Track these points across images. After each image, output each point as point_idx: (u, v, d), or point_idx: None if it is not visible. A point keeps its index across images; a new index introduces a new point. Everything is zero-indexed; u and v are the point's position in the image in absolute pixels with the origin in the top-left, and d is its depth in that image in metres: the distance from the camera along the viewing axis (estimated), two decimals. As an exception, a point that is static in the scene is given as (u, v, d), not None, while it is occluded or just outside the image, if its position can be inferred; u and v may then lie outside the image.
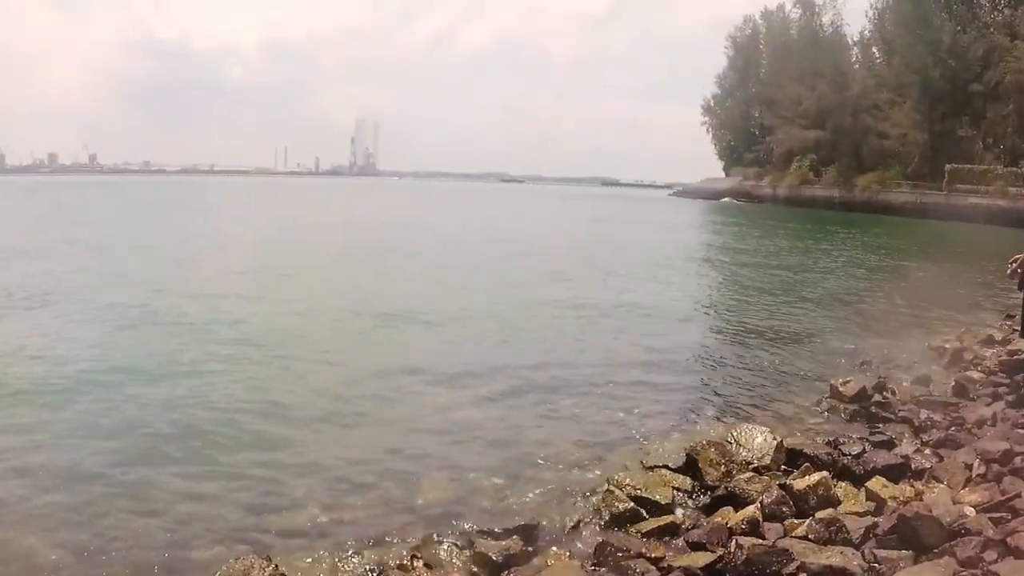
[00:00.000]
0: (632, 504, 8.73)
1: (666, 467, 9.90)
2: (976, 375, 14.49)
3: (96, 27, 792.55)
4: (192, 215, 69.28)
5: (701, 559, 7.33)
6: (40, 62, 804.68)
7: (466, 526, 8.60)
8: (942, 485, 8.92)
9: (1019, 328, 14.74)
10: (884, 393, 13.48)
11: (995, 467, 9.06)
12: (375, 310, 21.85)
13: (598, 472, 10.19)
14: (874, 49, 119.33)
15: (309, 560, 7.95)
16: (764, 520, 8.09)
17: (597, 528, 8.58)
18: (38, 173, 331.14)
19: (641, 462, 10.24)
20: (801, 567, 6.85)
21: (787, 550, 7.08)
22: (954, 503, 8.09)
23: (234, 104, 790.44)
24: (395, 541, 8.31)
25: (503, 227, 60.98)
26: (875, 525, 7.66)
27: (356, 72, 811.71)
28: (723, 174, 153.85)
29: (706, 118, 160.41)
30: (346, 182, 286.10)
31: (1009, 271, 13.14)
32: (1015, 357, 14.76)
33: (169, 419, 12.13)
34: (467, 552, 8.00)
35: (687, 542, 7.91)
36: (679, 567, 7.22)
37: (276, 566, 7.39)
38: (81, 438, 11.29)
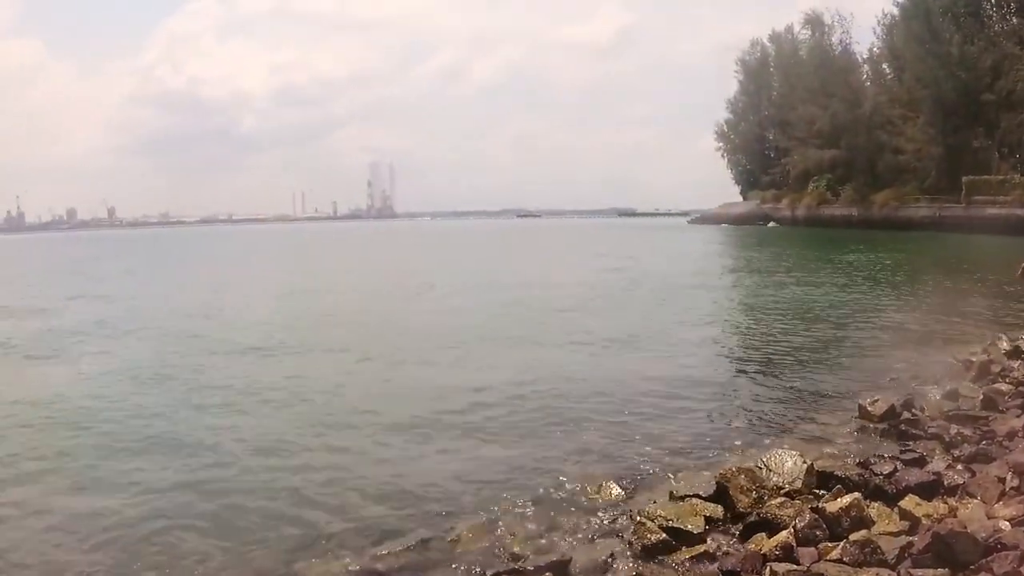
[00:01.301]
0: (664, 535, 8.68)
1: (696, 496, 9.84)
2: (1004, 387, 14.38)
3: (109, 82, 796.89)
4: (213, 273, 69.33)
5: (736, 587, 7.29)
6: (55, 119, 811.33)
7: (499, 567, 8.55)
8: (976, 500, 8.85)
9: None
10: (913, 410, 13.39)
11: (1029, 479, 9.00)
12: (398, 348, 21.93)
13: (628, 504, 10.16)
14: (884, 65, 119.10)
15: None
16: (798, 545, 8.03)
17: (630, 561, 8.53)
18: (57, 230, 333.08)
19: (671, 492, 10.20)
20: (837, 590, 6.80)
21: (822, 574, 7.04)
22: (989, 518, 8.04)
23: (248, 152, 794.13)
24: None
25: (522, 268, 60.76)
26: (910, 544, 7.61)
27: (368, 114, 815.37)
28: (740, 198, 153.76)
29: (720, 143, 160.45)
30: (365, 226, 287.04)
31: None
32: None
33: (196, 463, 12.20)
34: (502, 593, 7.97)
35: (721, 571, 7.88)
36: (714, 597, 7.18)
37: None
38: (97, 482, 11.38)
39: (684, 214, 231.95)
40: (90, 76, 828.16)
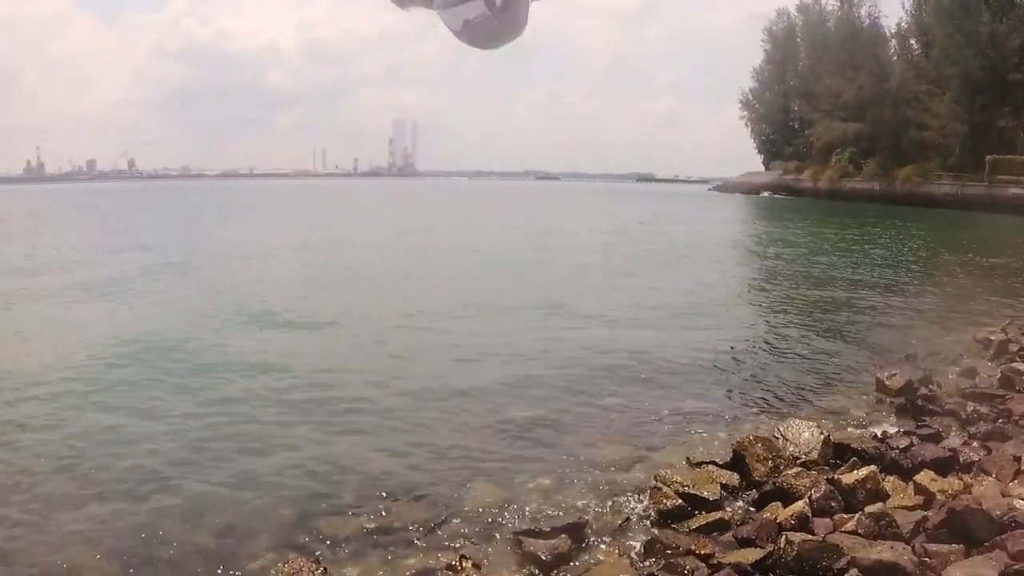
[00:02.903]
0: (680, 501, 8.76)
1: (713, 463, 9.91)
2: (1022, 366, 14.36)
3: (135, 34, 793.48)
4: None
5: (751, 555, 7.33)
6: (80, 71, 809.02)
7: (514, 526, 8.65)
8: (991, 478, 8.89)
9: None
10: (930, 386, 13.42)
11: (1044, 459, 9.03)
12: (416, 310, 22.00)
13: (645, 469, 10.23)
14: (912, 40, 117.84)
15: (359, 564, 8.01)
16: (813, 515, 8.09)
17: (645, 525, 8.62)
18: (77, 180, 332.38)
19: (687, 459, 10.24)
20: (852, 562, 6.84)
21: (837, 545, 7.08)
22: (1003, 496, 8.08)
23: (274, 107, 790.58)
24: (444, 544, 8.36)
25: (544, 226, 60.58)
26: (925, 519, 7.66)
27: (393, 72, 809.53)
28: (763, 168, 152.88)
29: (745, 112, 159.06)
30: (385, 183, 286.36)
31: None
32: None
33: (219, 422, 12.32)
34: (516, 552, 8.05)
35: (736, 538, 7.93)
36: (729, 564, 7.22)
37: (325, 569, 7.47)
38: (127, 442, 11.51)
39: (703, 181, 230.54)
40: (115, 27, 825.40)
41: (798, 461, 9.78)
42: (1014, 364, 14.68)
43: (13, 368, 15.45)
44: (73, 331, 19.19)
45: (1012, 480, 8.69)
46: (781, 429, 10.57)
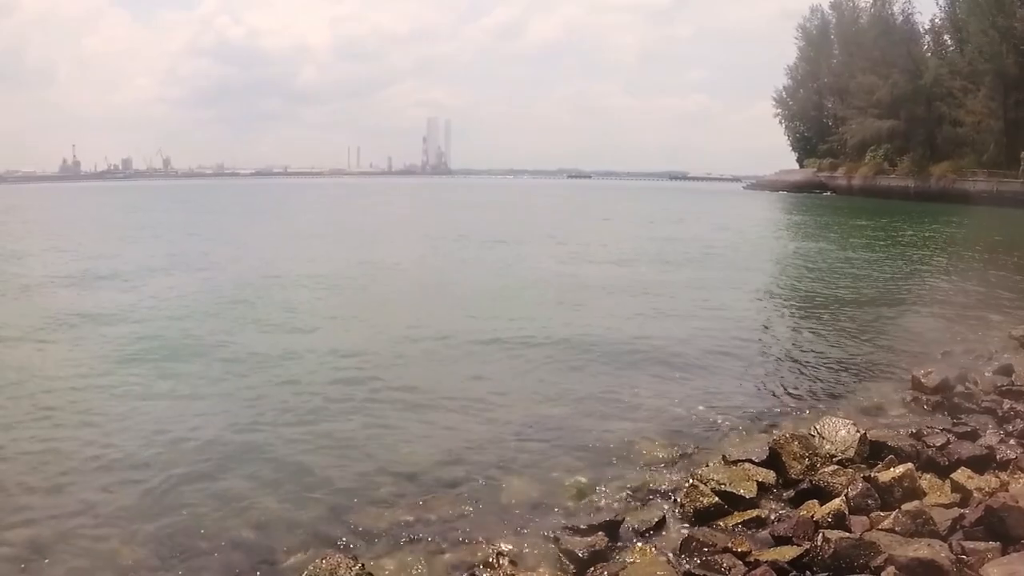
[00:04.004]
0: (716, 499, 8.78)
1: (749, 461, 9.92)
2: (1059, 364, 14.32)
3: (167, 31, 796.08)
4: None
5: (788, 553, 7.36)
6: (113, 68, 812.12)
7: (551, 523, 8.69)
8: (1028, 475, 8.86)
9: None
10: (966, 383, 13.39)
11: (1081, 456, 9.01)
12: (452, 304, 22.08)
13: (680, 467, 10.26)
14: (946, 36, 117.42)
15: (395, 559, 8.07)
16: (850, 513, 8.10)
17: (682, 523, 8.64)
18: (112, 179, 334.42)
19: (724, 456, 10.23)
20: (889, 560, 6.85)
21: (874, 543, 7.09)
22: (1041, 493, 8.05)
23: (305, 104, 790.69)
24: (481, 540, 8.40)
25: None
26: (962, 516, 7.66)
27: (426, 70, 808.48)
28: (797, 166, 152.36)
29: (779, 109, 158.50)
30: (419, 181, 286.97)
31: None
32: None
33: (255, 416, 12.44)
34: (553, 549, 8.09)
35: (773, 536, 7.94)
36: (766, 561, 7.24)
37: (363, 565, 7.48)
38: (161, 434, 11.68)
39: (736, 179, 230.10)
40: (148, 25, 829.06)
41: (834, 459, 9.79)
42: (1051, 361, 14.64)
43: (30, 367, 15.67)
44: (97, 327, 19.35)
45: (1049, 478, 8.68)
46: (817, 427, 10.58)
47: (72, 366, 15.57)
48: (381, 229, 56.15)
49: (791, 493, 9.19)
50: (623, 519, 8.62)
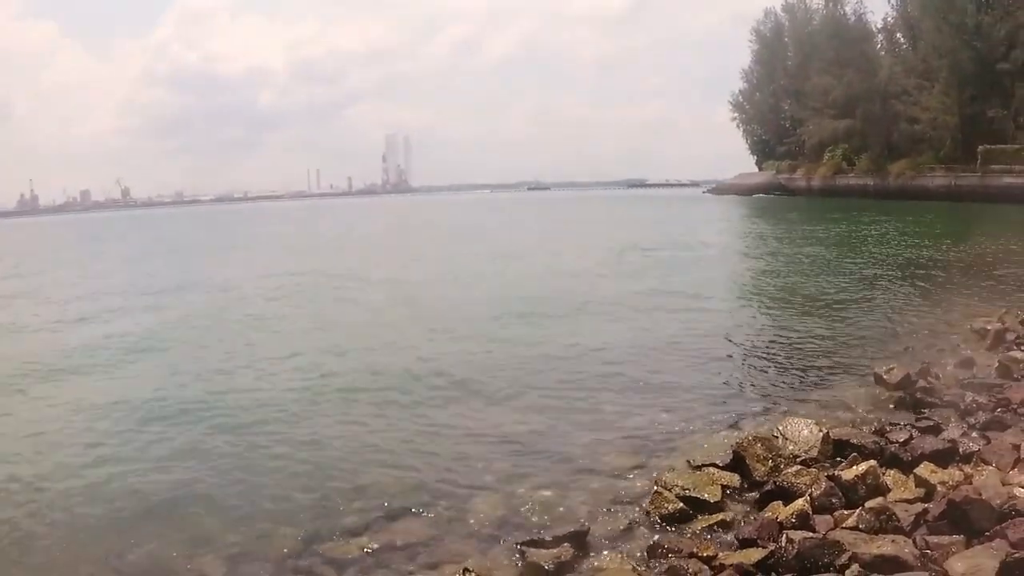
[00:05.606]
0: (681, 504, 8.80)
1: (713, 465, 9.94)
2: (1019, 355, 14.38)
3: (123, 62, 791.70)
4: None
5: (753, 555, 7.36)
6: (69, 101, 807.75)
7: (517, 537, 8.63)
8: (991, 467, 8.88)
9: None
10: (928, 378, 13.43)
11: (1044, 446, 9.04)
12: (405, 319, 22.06)
13: (645, 474, 10.24)
14: (899, 35, 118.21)
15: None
16: (814, 513, 8.12)
17: (647, 530, 8.63)
18: (71, 212, 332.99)
19: (688, 461, 10.26)
20: (853, 558, 6.87)
21: (838, 542, 7.10)
22: (1004, 485, 8.08)
23: (264, 129, 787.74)
24: (448, 558, 8.37)
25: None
26: (925, 511, 7.67)
27: (386, 89, 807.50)
28: (756, 169, 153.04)
29: (736, 114, 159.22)
30: (379, 201, 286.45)
31: None
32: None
33: (218, 448, 12.30)
34: (519, 563, 8.05)
35: (738, 539, 7.95)
36: (731, 565, 7.24)
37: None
38: (126, 466, 11.53)
39: (695, 184, 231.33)
40: (103, 57, 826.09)
41: (798, 459, 9.81)
42: (1011, 353, 14.71)
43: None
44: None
45: (1012, 469, 8.70)
46: (780, 428, 10.61)
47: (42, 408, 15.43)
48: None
49: (755, 495, 9.19)
50: (589, 529, 8.60)
